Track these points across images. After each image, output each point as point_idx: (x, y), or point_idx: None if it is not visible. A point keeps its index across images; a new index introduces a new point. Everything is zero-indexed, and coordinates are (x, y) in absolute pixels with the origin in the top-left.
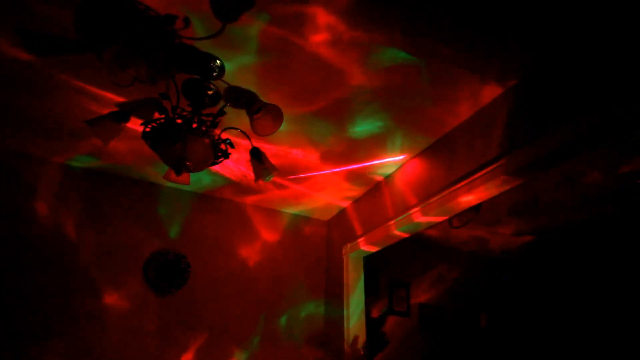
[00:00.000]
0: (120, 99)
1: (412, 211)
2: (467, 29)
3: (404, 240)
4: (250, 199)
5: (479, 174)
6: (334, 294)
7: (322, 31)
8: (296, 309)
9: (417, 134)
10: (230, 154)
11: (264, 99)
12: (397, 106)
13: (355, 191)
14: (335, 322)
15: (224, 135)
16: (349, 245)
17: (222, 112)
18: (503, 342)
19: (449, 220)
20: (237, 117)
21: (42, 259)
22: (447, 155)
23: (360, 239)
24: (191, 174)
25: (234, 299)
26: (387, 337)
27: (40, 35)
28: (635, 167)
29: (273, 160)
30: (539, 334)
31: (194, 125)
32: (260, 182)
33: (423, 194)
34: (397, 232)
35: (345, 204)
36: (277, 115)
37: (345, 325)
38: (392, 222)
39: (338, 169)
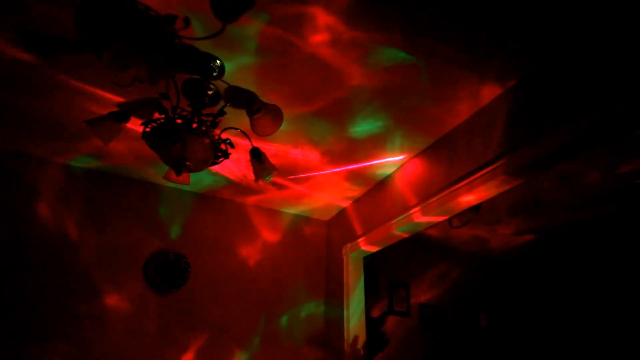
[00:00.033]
0: (121, 99)
1: (412, 211)
2: (467, 29)
3: (404, 240)
4: (251, 199)
5: (479, 174)
6: (334, 294)
7: (321, 31)
8: (296, 309)
9: (417, 133)
10: (230, 154)
11: (263, 99)
12: (397, 106)
13: (355, 191)
14: (335, 322)
15: (224, 135)
16: (349, 245)
17: (222, 112)
18: (503, 342)
19: (449, 220)
20: (237, 117)
21: (42, 259)
22: (447, 155)
23: (360, 239)
24: (192, 174)
25: (235, 299)
26: (387, 337)
27: (41, 35)
28: (635, 167)
29: (273, 160)
30: (539, 334)
31: (194, 125)
32: (260, 182)
33: (423, 194)
34: (397, 232)
35: (345, 204)
36: (277, 115)
37: (345, 325)
38: (392, 222)
39: (338, 169)
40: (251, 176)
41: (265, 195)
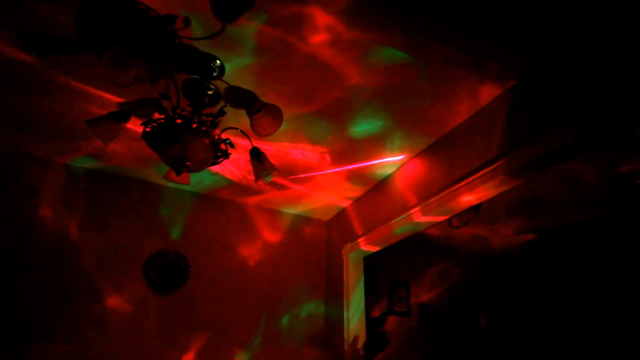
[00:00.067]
0: (121, 100)
1: (412, 211)
2: (466, 29)
3: (404, 240)
4: (251, 199)
5: (479, 174)
6: (334, 294)
7: (321, 31)
8: (297, 309)
9: (417, 133)
10: (230, 154)
11: (263, 99)
12: (397, 106)
13: (355, 191)
14: (335, 322)
15: (224, 135)
16: (349, 245)
17: (222, 112)
18: (503, 342)
19: (449, 221)
20: (237, 117)
21: (42, 259)
22: (447, 155)
23: (361, 239)
24: (192, 174)
25: (235, 299)
26: (387, 337)
27: (40, 35)
28: (635, 167)
29: (273, 161)
30: (539, 334)
31: (194, 125)
32: (260, 182)
33: (423, 194)
34: (397, 232)
35: (345, 204)
36: (277, 116)
37: (345, 325)
38: (392, 222)
39: (338, 169)
40: (251, 176)
41: (265, 195)
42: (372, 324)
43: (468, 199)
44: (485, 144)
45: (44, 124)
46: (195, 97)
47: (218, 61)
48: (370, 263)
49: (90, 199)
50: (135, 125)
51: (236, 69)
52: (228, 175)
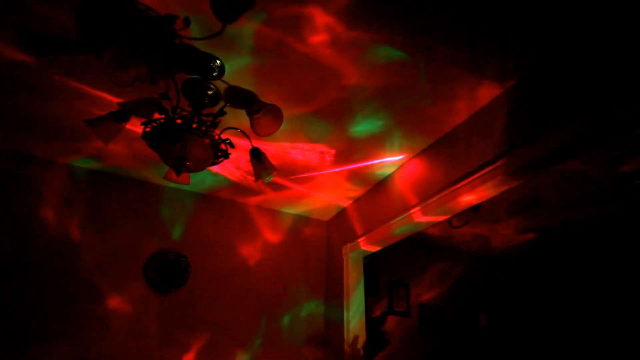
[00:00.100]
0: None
1: (412, 211)
2: (466, 29)
3: (404, 240)
4: (251, 200)
5: (479, 174)
6: (334, 294)
7: (320, 31)
8: (297, 310)
9: (417, 133)
10: (230, 154)
11: (263, 99)
12: (397, 106)
13: (355, 191)
14: (335, 322)
15: (223, 136)
16: (349, 245)
17: (222, 112)
18: (503, 342)
19: (449, 221)
20: (237, 117)
21: (43, 259)
22: (447, 155)
23: (361, 239)
24: (194, 175)
25: (235, 299)
26: (387, 337)
27: (40, 35)
28: (635, 167)
29: (273, 161)
30: (538, 334)
31: (194, 125)
32: (260, 182)
33: (423, 194)
34: (397, 232)
35: (345, 204)
36: (277, 116)
37: (345, 325)
38: (393, 221)
39: (338, 169)
40: (251, 176)
41: (265, 195)
42: (372, 324)
43: (468, 198)
44: (485, 143)
45: (44, 124)
46: (195, 97)
47: (218, 61)
48: (370, 263)
49: (91, 199)
50: (135, 126)
51: (236, 69)
52: (228, 176)
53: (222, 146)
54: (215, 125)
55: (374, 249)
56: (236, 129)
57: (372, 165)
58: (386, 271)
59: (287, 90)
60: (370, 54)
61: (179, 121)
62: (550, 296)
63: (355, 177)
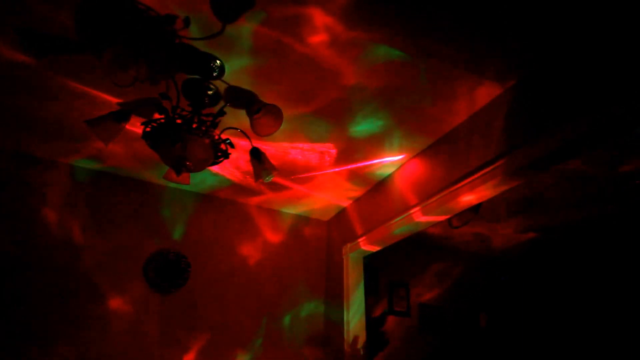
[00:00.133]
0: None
1: (412, 211)
2: (466, 28)
3: (404, 240)
4: (252, 200)
5: (479, 174)
6: (334, 294)
7: (320, 32)
8: (297, 310)
9: (417, 133)
10: (230, 154)
11: (263, 99)
12: (397, 106)
13: (355, 191)
14: (335, 322)
15: (223, 136)
16: (348, 245)
17: (222, 112)
18: (503, 342)
19: (449, 220)
20: (237, 117)
21: (43, 259)
22: (447, 155)
23: (361, 239)
24: (195, 175)
25: (236, 299)
26: (387, 337)
27: (40, 35)
28: (635, 167)
29: (273, 161)
30: (538, 334)
31: (194, 125)
32: (260, 182)
33: (423, 194)
34: (397, 232)
35: (345, 204)
36: (277, 116)
37: (345, 325)
38: (393, 221)
39: (338, 169)
40: (251, 176)
41: (265, 195)
42: (372, 324)
43: (468, 198)
44: (485, 143)
45: (44, 124)
46: (195, 97)
47: (218, 61)
48: (370, 263)
49: (92, 199)
50: (135, 126)
51: (236, 69)
52: (228, 176)
53: (222, 146)
54: (215, 125)
55: (374, 249)
56: (236, 129)
57: (372, 165)
58: (386, 271)
59: (287, 90)
60: (370, 53)
61: (179, 121)
62: (550, 296)
63: (355, 177)
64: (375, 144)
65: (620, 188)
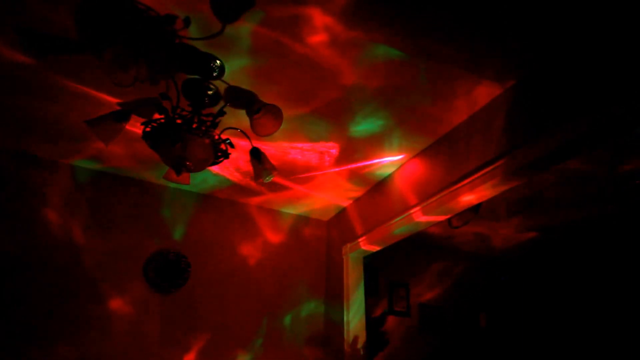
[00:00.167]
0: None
1: (412, 211)
2: (466, 28)
3: (404, 240)
4: (252, 200)
5: (479, 174)
6: (334, 294)
7: (319, 32)
8: (298, 310)
9: (417, 133)
10: (230, 154)
11: (262, 99)
12: (397, 106)
13: (355, 191)
14: (335, 322)
15: (223, 136)
16: (348, 245)
17: (222, 112)
18: (503, 342)
19: (449, 220)
20: (237, 117)
21: (44, 260)
22: (447, 155)
23: (361, 239)
24: (196, 175)
25: (236, 299)
26: (387, 337)
27: (40, 35)
28: (635, 167)
29: (273, 161)
30: (538, 334)
31: (194, 125)
32: (261, 182)
33: (423, 194)
34: (397, 232)
35: (345, 204)
36: (277, 116)
37: (345, 325)
38: (393, 221)
39: (338, 169)
40: (251, 177)
41: (265, 195)
42: (372, 324)
43: (468, 198)
44: (485, 143)
45: (45, 125)
46: (195, 97)
47: (218, 61)
48: (370, 263)
49: (92, 200)
50: (135, 127)
51: (236, 69)
52: (228, 176)
53: (222, 146)
54: (215, 125)
55: (374, 248)
56: (236, 129)
57: (372, 165)
58: (386, 271)
59: (287, 90)
60: (370, 53)
61: (179, 121)
62: (550, 296)
63: (355, 177)
64: (375, 143)
65: (620, 188)
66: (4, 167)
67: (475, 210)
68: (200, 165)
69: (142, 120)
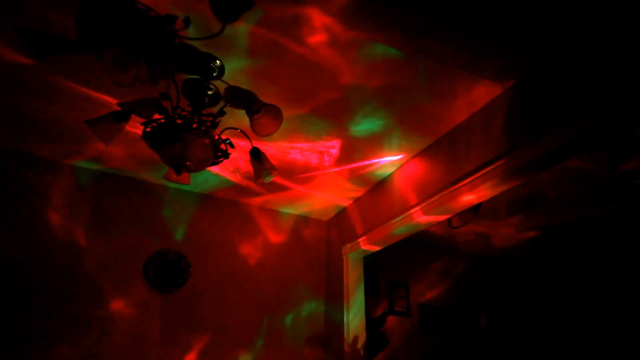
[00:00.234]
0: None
1: (412, 210)
2: (466, 28)
3: (404, 240)
4: (252, 200)
5: (479, 173)
6: (334, 294)
7: (318, 32)
8: (298, 310)
9: (418, 133)
10: (230, 154)
11: (263, 99)
12: (397, 106)
13: (356, 191)
14: (335, 322)
15: (223, 136)
16: (348, 245)
17: (222, 112)
18: (503, 342)
19: (449, 220)
20: (237, 118)
21: (45, 260)
22: (448, 155)
23: (361, 239)
24: (197, 176)
25: (237, 299)
26: (387, 337)
27: (40, 35)
28: (635, 167)
29: (272, 161)
30: (538, 334)
31: (194, 125)
32: (261, 182)
33: (424, 193)
34: (397, 232)
35: (345, 204)
36: (277, 115)
37: (345, 325)
38: (392, 221)
39: (337, 169)
40: (251, 177)
41: (265, 195)
42: (372, 324)
43: (468, 198)
44: (485, 143)
45: (45, 125)
46: (195, 97)
47: (218, 61)
48: (370, 263)
49: (93, 200)
50: (136, 128)
51: (237, 69)
52: (228, 176)
53: (222, 146)
54: (215, 125)
55: (374, 248)
56: (236, 129)
57: (372, 165)
58: (386, 271)
59: (286, 90)
60: (369, 53)
61: (179, 121)
62: (550, 296)
63: (356, 177)
64: (375, 143)
65: (620, 188)
66: (4, 168)
67: (475, 210)
68: (200, 165)
69: (142, 120)
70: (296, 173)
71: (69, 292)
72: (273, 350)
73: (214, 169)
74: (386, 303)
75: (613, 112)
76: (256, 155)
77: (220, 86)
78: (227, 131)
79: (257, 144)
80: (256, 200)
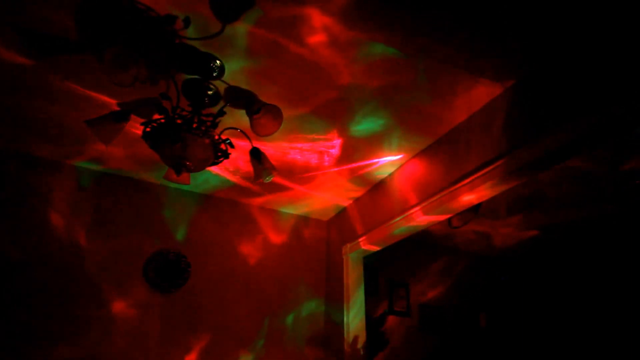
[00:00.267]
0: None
1: (412, 210)
2: (466, 28)
3: (404, 239)
4: (252, 200)
5: (479, 173)
6: (334, 294)
7: (318, 32)
8: (298, 310)
9: (417, 133)
10: (230, 154)
11: (262, 99)
12: (397, 106)
13: (356, 191)
14: (335, 322)
15: (223, 136)
16: (348, 245)
17: (222, 112)
18: (503, 342)
19: (449, 220)
20: (238, 118)
21: (46, 261)
22: (448, 155)
23: (361, 239)
24: (197, 176)
25: (237, 300)
26: (387, 337)
27: (40, 35)
28: (635, 166)
29: (273, 161)
30: (538, 334)
31: (194, 125)
32: (261, 182)
33: (424, 193)
34: (397, 232)
35: (345, 204)
36: (276, 115)
37: (345, 325)
38: (393, 221)
39: (337, 169)
40: (251, 177)
41: (265, 195)
42: (372, 324)
43: (468, 198)
44: (485, 143)
45: (45, 126)
46: (195, 97)
47: (218, 61)
48: (370, 263)
49: (94, 200)
50: (136, 128)
51: (236, 69)
52: (229, 176)
53: (222, 146)
54: (215, 125)
55: (374, 248)
56: (236, 129)
57: (372, 165)
58: (386, 271)
59: (286, 90)
60: (369, 53)
61: (179, 121)
62: (550, 296)
63: (356, 177)
64: (375, 143)
65: (620, 188)
66: (4, 167)
67: (475, 210)
68: (200, 165)
69: (142, 120)
70: (296, 173)
71: (69, 292)
72: (274, 351)
73: (214, 169)
74: (386, 303)
75: (613, 112)
76: (256, 155)
77: (220, 86)
78: (227, 131)
79: (257, 144)
80: (256, 201)
